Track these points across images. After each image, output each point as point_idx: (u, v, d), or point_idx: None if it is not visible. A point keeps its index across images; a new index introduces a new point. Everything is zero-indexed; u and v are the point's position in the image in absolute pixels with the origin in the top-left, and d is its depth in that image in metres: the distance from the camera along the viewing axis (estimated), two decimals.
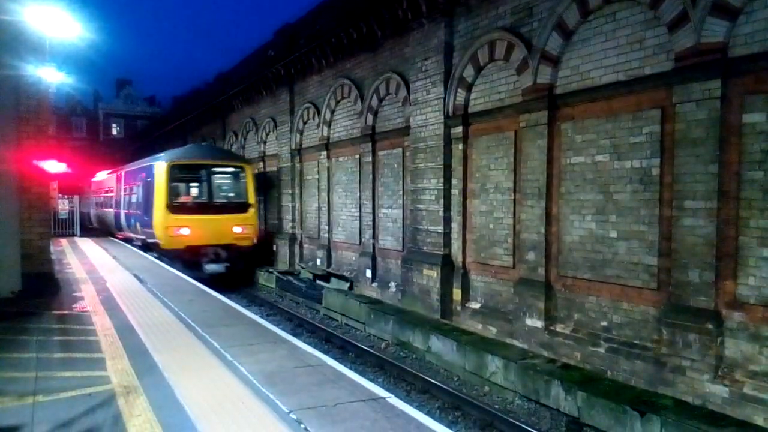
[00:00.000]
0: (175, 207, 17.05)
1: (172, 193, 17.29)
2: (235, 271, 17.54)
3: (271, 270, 18.41)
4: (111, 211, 25.49)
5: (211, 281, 15.28)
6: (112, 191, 25.28)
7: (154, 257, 18.30)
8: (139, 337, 8.13)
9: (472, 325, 10.36)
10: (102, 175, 28.90)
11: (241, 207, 17.93)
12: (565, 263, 8.58)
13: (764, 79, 6.12)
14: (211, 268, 16.82)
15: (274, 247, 19.61)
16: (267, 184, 20.96)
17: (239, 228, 17.57)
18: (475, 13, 10.30)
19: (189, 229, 16.84)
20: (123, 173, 23.40)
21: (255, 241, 18.40)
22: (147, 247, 19.31)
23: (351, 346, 11.06)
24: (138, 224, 19.87)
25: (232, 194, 18.39)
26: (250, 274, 19.11)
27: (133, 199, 20.81)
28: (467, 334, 9.89)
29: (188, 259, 16.65)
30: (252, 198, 18.27)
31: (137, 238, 20.66)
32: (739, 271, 6.37)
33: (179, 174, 17.56)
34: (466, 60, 10.43)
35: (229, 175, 18.52)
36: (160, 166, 17.44)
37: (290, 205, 18.58)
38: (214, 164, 18.20)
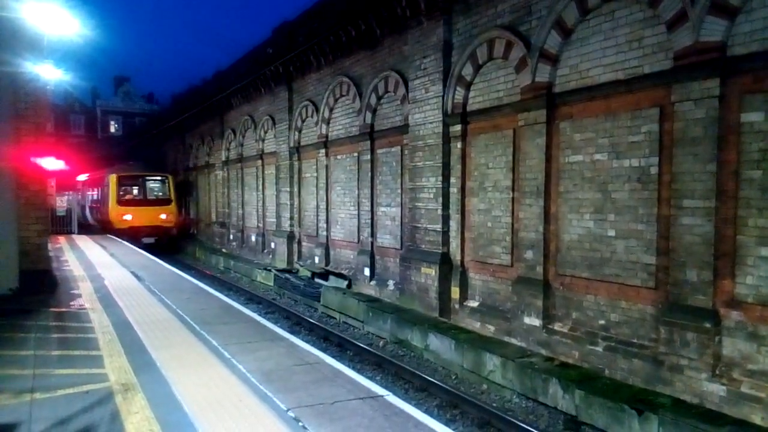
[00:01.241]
0: (122, 201, 26.47)
1: (120, 193, 26.60)
2: (162, 243, 26.08)
3: (269, 268, 18.44)
4: (81, 204, 33.38)
5: (147, 249, 22.33)
6: (82, 191, 33.92)
7: (108, 233, 25.72)
8: (137, 335, 8.13)
9: (470, 323, 10.37)
10: (82, 177, 35.97)
11: (165, 202, 27.43)
12: (564, 262, 8.59)
13: (763, 78, 6.12)
14: (145, 240, 25.15)
15: (193, 230, 29.49)
16: (192, 187, 29.36)
17: (164, 215, 26.99)
18: (474, 11, 10.28)
19: (131, 216, 26.11)
20: (90, 179, 32.73)
21: (175, 224, 27.69)
22: (103, 228, 27.52)
23: (349, 344, 11.06)
24: (98, 213, 29.17)
25: (160, 194, 27.65)
26: (173, 245, 27.64)
27: (95, 197, 30.58)
28: (465, 333, 9.90)
29: (131, 234, 25.09)
30: (172, 196, 27.78)
31: (98, 222, 29.25)
32: (737, 270, 6.37)
33: (124, 181, 26.99)
34: (465, 58, 10.42)
35: (158, 182, 27.85)
36: (112, 176, 26.83)
37: (288, 203, 18.57)
38: (147, 175, 27.92)
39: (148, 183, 27.36)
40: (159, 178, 27.88)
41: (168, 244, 26.71)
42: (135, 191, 27.17)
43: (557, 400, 7.49)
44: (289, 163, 18.49)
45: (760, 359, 6.17)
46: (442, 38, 10.89)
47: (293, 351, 7.63)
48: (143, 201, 26.88)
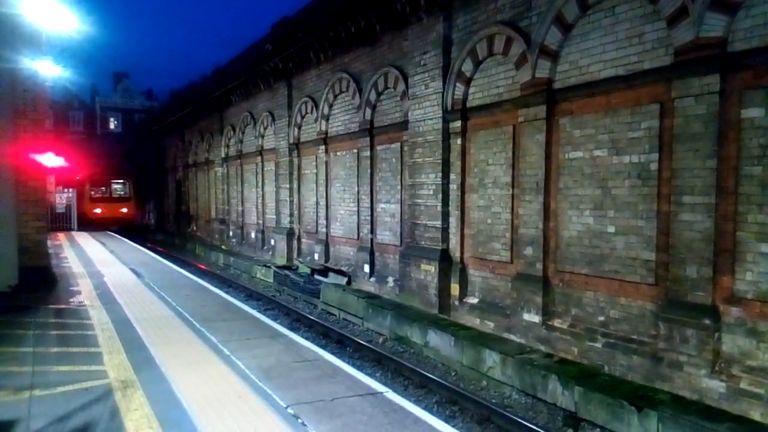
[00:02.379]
0: (93, 199, 34.82)
1: (92, 192, 35.05)
2: (123, 229, 32.32)
3: (268, 264, 18.44)
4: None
5: (114, 233, 28.47)
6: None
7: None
8: (136, 332, 8.14)
9: (469, 320, 10.37)
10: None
11: (126, 199, 36.29)
12: (563, 258, 8.58)
13: (763, 74, 6.10)
14: (111, 228, 31.54)
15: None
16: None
17: (125, 209, 35.98)
18: (474, 6, 10.25)
19: (100, 209, 34.65)
20: (74, 181, 38.62)
21: (134, 215, 37.21)
22: (80, 219, 32.45)
23: (348, 340, 11.06)
24: (77, 208, 34.18)
25: (122, 193, 36.35)
26: (134, 231, 34.04)
27: (76, 195, 37.44)
28: (465, 329, 9.90)
29: (100, 223, 32.52)
30: (131, 194, 36.64)
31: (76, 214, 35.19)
32: (736, 267, 6.37)
33: (95, 184, 35.57)
34: (465, 54, 10.39)
35: (120, 184, 36.44)
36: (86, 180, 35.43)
37: (288, 199, 18.55)
38: (112, 178, 36.37)
39: (113, 185, 36.19)
40: (122, 181, 36.93)
41: (128, 231, 33.09)
42: (103, 190, 35.77)
43: (557, 396, 7.50)
44: (289, 159, 18.46)
45: (759, 355, 6.17)
46: (442, 34, 10.86)
47: (293, 348, 7.64)
48: (109, 198, 35.56)
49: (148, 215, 41.31)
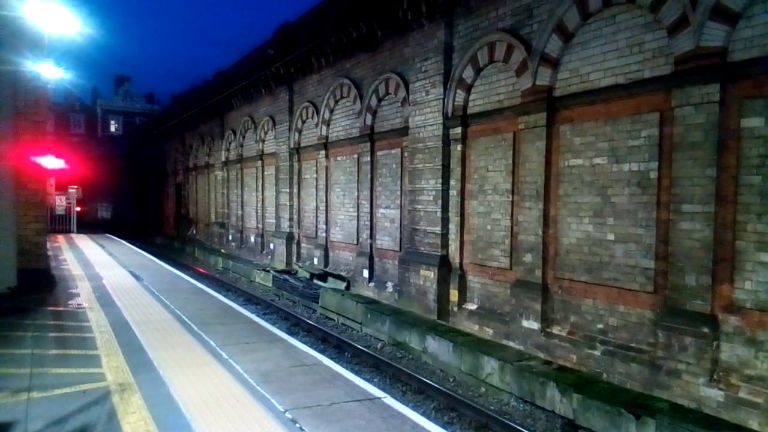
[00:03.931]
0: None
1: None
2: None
3: (268, 269, 18.44)
4: None
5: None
6: None
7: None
8: (134, 335, 8.13)
9: (468, 326, 10.36)
10: None
11: (80, 201, 38.90)
12: (562, 265, 8.59)
13: (763, 83, 6.13)
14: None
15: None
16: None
17: (78, 208, 38.84)
18: (475, 14, 10.30)
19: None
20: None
21: (85, 212, 43.62)
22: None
23: (347, 345, 11.05)
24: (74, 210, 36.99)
25: (76, 196, 41.06)
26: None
27: None
28: (463, 335, 9.89)
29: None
30: (82, 197, 39.70)
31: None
32: (735, 276, 6.37)
33: (56, 188, 35.19)
34: (466, 61, 10.43)
35: (74, 189, 40.45)
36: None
37: (288, 204, 18.57)
38: (69, 185, 38.97)
39: (69, 190, 42.48)
40: (76, 186, 44.16)
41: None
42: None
43: (555, 403, 7.49)
44: (289, 164, 18.49)
45: (758, 364, 6.17)
46: (443, 41, 10.90)
47: (291, 352, 7.64)
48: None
49: (146, 217, 41.99)
